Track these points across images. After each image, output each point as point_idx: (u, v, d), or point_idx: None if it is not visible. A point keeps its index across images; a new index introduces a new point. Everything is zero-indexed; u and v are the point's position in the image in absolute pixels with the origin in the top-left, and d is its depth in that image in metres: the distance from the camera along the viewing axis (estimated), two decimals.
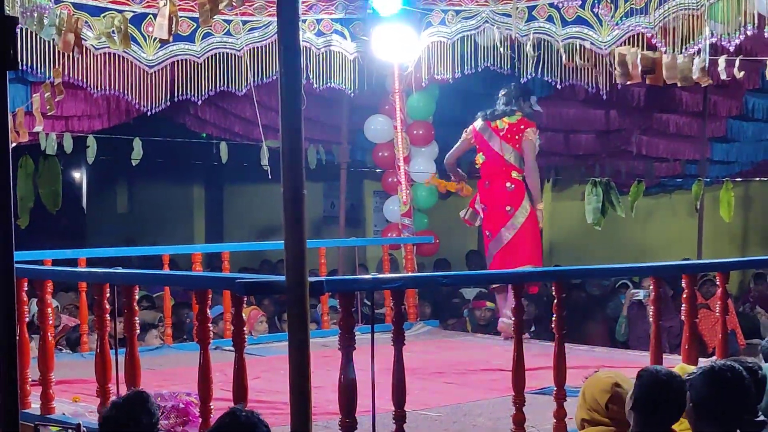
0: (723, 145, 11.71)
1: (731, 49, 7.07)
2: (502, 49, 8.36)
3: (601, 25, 7.93)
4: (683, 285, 5.71)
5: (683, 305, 5.70)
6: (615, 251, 12.67)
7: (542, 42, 8.26)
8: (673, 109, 10.85)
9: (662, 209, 13.51)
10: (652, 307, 5.62)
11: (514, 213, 8.16)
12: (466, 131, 8.56)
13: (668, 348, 7.67)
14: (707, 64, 6.90)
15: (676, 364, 5.33)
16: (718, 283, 6.03)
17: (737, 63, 7.15)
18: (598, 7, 7.91)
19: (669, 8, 7.38)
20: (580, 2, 8.06)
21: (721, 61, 6.93)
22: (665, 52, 7.28)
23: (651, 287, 5.68)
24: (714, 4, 7.03)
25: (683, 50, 7.25)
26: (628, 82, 7.40)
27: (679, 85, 7.21)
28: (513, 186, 8.16)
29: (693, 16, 7.22)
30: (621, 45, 7.74)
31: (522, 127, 8.21)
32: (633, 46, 7.64)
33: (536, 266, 8.06)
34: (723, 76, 7.00)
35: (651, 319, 5.66)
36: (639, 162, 11.58)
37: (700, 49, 7.14)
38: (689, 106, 10.72)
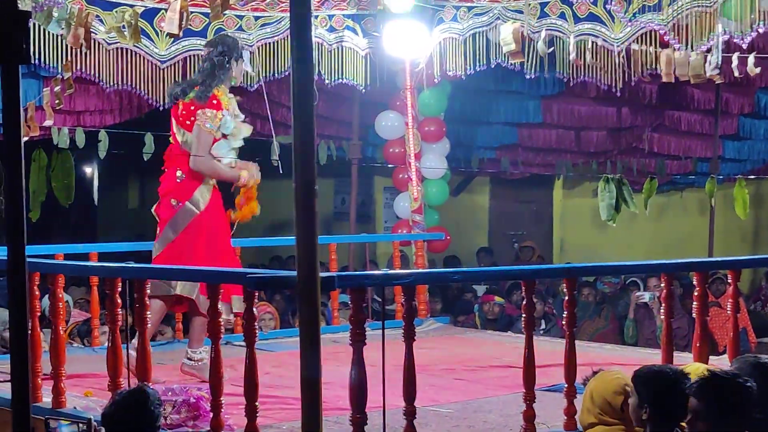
0: (735, 143, 11.69)
1: (744, 46, 7.05)
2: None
3: (614, 22, 7.91)
4: (694, 283, 5.70)
5: (694, 303, 5.68)
6: (626, 249, 12.65)
7: (554, 38, 8.24)
8: (684, 106, 10.85)
9: (673, 207, 13.49)
10: (663, 305, 5.61)
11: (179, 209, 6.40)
12: None
13: (674, 348, 7.65)
14: (720, 62, 6.87)
15: (685, 362, 5.32)
16: (729, 281, 6.01)
17: (750, 60, 7.14)
18: (611, 4, 7.89)
19: (682, 5, 7.36)
20: None
21: (734, 58, 6.91)
22: (678, 49, 7.26)
23: (658, 287, 5.66)
24: (727, 2, 7.01)
25: (696, 47, 7.23)
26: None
27: (691, 82, 7.19)
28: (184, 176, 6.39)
29: (706, 13, 7.19)
30: (633, 42, 7.72)
31: (192, 108, 6.34)
32: (645, 43, 7.62)
33: None
34: (735, 74, 6.98)
35: (662, 317, 5.64)
36: (651, 159, 11.56)
37: (713, 46, 7.12)
38: (701, 104, 10.71)
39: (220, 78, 6.35)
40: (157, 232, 6.59)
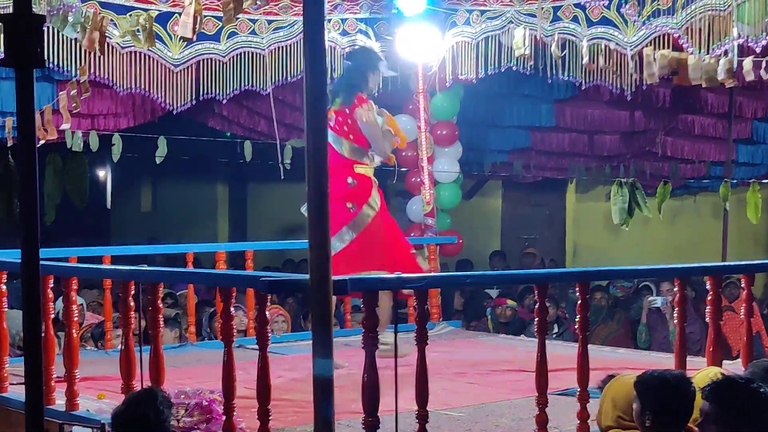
0: (748, 147, 11.66)
1: (758, 50, 7.03)
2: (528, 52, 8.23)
3: (627, 26, 7.90)
4: (708, 287, 5.68)
5: (708, 307, 5.67)
6: (639, 253, 12.62)
7: (567, 42, 8.23)
8: (698, 110, 10.82)
9: (687, 211, 13.45)
10: (676, 309, 5.59)
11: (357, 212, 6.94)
12: None
13: (687, 353, 7.63)
14: (735, 66, 6.86)
15: (697, 366, 5.31)
16: (743, 285, 6.00)
17: (764, 64, 7.11)
18: (624, 7, 7.88)
19: (696, 9, 7.35)
20: (606, 2, 8.04)
21: (748, 62, 6.89)
22: (691, 53, 7.25)
23: (671, 292, 5.64)
24: (741, 5, 6.99)
25: (710, 51, 7.21)
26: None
27: (704, 86, 7.18)
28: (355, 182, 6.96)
29: (720, 17, 7.18)
30: (647, 46, 7.70)
31: (346, 112, 6.90)
32: (659, 46, 7.61)
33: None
34: (749, 77, 6.96)
35: (675, 321, 5.63)
36: (664, 163, 11.54)
37: (727, 50, 7.10)
38: (714, 108, 10.67)
39: (360, 88, 6.89)
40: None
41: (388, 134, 7.02)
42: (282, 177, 8.59)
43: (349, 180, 6.89)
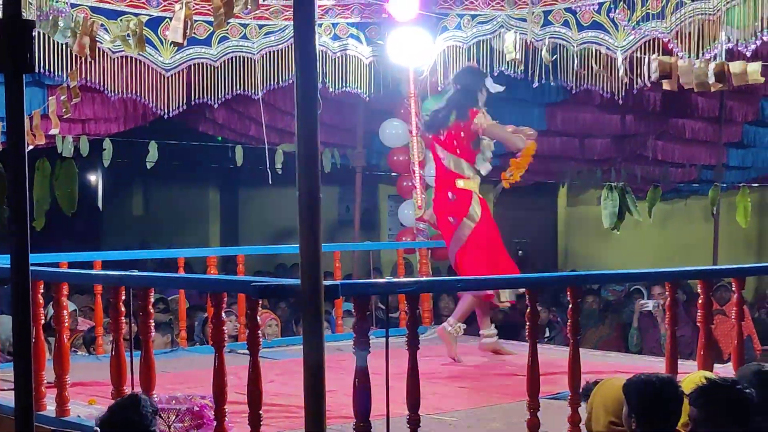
0: (739, 151, 11.69)
1: (748, 54, 7.05)
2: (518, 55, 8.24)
3: (617, 30, 7.92)
4: (699, 291, 5.69)
5: (699, 311, 5.67)
6: (630, 256, 12.65)
7: (558, 46, 8.25)
8: (689, 114, 10.84)
9: (678, 215, 13.48)
10: (667, 313, 5.60)
11: (458, 225, 7.36)
12: None
13: (679, 356, 7.65)
14: (725, 70, 6.87)
15: (689, 370, 5.32)
16: (733, 288, 6.01)
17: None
18: (614, 12, 7.90)
19: (685, 13, 7.37)
20: (597, 7, 8.05)
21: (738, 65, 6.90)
22: (681, 57, 7.26)
23: (662, 295, 5.66)
24: (731, 10, 7.01)
25: (699, 55, 7.23)
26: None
27: (695, 90, 7.19)
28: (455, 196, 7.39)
29: (709, 21, 7.20)
30: (637, 50, 7.72)
31: (461, 126, 7.35)
32: (649, 51, 7.62)
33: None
34: (739, 82, 6.97)
35: (666, 325, 5.64)
36: (655, 167, 11.56)
37: (716, 54, 7.12)
38: (705, 112, 10.70)
39: (473, 105, 7.33)
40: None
41: (516, 133, 7.49)
42: (270, 182, 8.60)
43: (450, 195, 7.34)
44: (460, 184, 7.33)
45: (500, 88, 7.73)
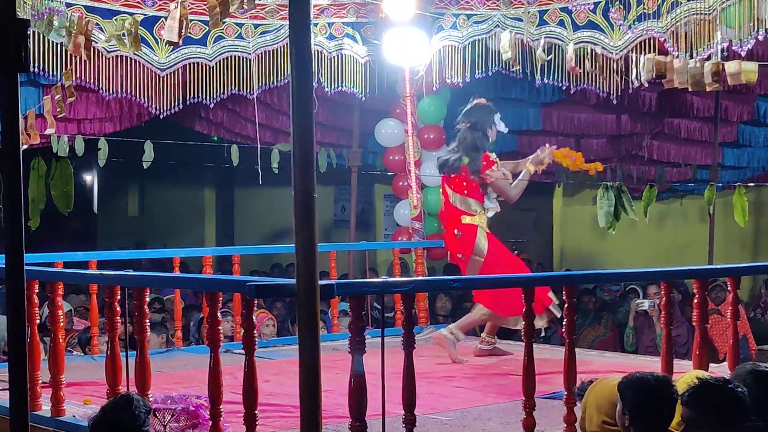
0: (734, 150, 11.69)
1: (743, 54, 7.06)
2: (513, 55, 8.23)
3: (613, 30, 7.92)
4: (694, 290, 5.70)
5: (694, 311, 5.68)
6: (626, 256, 12.65)
7: (553, 46, 8.25)
8: (684, 113, 10.84)
9: (673, 214, 13.49)
10: (662, 313, 5.60)
11: (467, 260, 7.53)
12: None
13: (674, 356, 7.66)
14: (720, 69, 6.88)
15: (684, 370, 5.32)
16: (729, 288, 6.01)
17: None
18: (610, 12, 7.90)
19: (681, 13, 7.37)
20: (592, 6, 8.06)
21: (733, 65, 6.90)
22: (677, 57, 7.27)
23: (658, 295, 5.65)
24: (726, 9, 7.01)
25: (695, 55, 7.23)
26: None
27: (690, 90, 7.19)
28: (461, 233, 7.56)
29: (705, 20, 7.20)
30: (632, 49, 7.73)
31: (470, 177, 7.53)
32: (644, 50, 7.63)
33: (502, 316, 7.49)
34: (734, 81, 6.97)
35: (662, 325, 5.64)
36: (650, 167, 11.56)
37: (712, 53, 7.12)
38: (700, 111, 10.70)
39: (483, 147, 7.49)
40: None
41: (521, 184, 7.66)
42: (261, 182, 8.59)
43: (456, 231, 7.51)
44: (466, 220, 7.48)
45: (505, 129, 7.91)
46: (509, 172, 7.68)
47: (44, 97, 7.90)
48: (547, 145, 7.85)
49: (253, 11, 8.47)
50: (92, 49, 7.24)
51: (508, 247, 8.18)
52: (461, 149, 7.53)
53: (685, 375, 4.63)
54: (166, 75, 8.46)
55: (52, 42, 7.47)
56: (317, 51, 8.91)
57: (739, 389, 3.86)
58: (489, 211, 7.64)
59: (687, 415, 3.88)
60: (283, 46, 8.75)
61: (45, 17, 6.87)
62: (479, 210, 7.53)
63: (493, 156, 7.56)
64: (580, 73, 8.08)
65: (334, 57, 9.13)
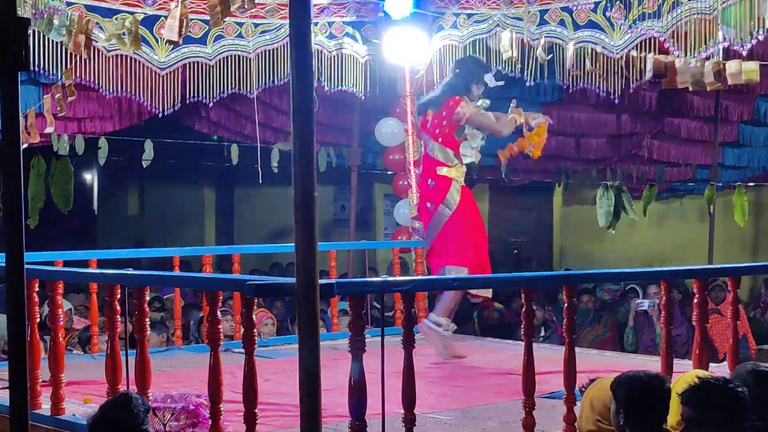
0: (734, 150, 11.70)
1: (744, 53, 7.06)
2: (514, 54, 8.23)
3: (613, 29, 7.92)
4: (694, 290, 5.70)
5: (694, 310, 5.68)
6: (626, 256, 12.66)
7: (554, 46, 8.25)
8: (684, 113, 10.85)
9: (673, 214, 13.50)
10: (662, 312, 5.60)
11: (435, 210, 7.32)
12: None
13: (674, 356, 7.66)
14: (721, 69, 6.88)
15: (684, 369, 5.32)
16: (729, 288, 6.01)
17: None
18: (611, 11, 7.90)
19: (681, 12, 7.37)
20: (593, 6, 8.05)
21: (734, 65, 6.91)
22: (677, 56, 7.27)
23: (658, 295, 5.65)
24: (726, 9, 7.01)
25: (695, 54, 7.23)
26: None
27: (690, 89, 7.19)
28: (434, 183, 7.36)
29: (705, 20, 7.20)
30: (633, 49, 7.73)
31: (443, 114, 7.30)
32: (645, 50, 7.63)
33: (460, 267, 7.17)
34: (734, 81, 6.98)
35: (662, 324, 5.64)
36: (650, 166, 11.57)
37: (713, 53, 7.12)
38: (701, 111, 10.71)
39: (457, 93, 7.27)
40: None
41: (509, 123, 7.43)
42: (260, 181, 8.59)
43: (429, 181, 7.32)
44: (441, 171, 7.29)
45: (500, 83, 7.73)
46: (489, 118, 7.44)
47: (44, 96, 7.90)
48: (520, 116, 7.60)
49: (253, 10, 8.46)
50: (92, 47, 7.24)
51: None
52: (444, 92, 7.39)
53: (686, 374, 4.62)
54: (166, 74, 8.45)
55: (53, 41, 7.46)
56: (317, 50, 8.90)
57: (740, 389, 3.87)
58: (466, 158, 7.44)
59: (687, 414, 3.88)
60: (284, 46, 8.75)
61: (45, 16, 6.87)
62: (456, 162, 7.33)
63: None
64: (580, 72, 8.07)
65: (334, 56, 9.12)
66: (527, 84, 8.50)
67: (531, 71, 8.38)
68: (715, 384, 3.92)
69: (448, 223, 7.22)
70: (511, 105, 7.57)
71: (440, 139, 7.29)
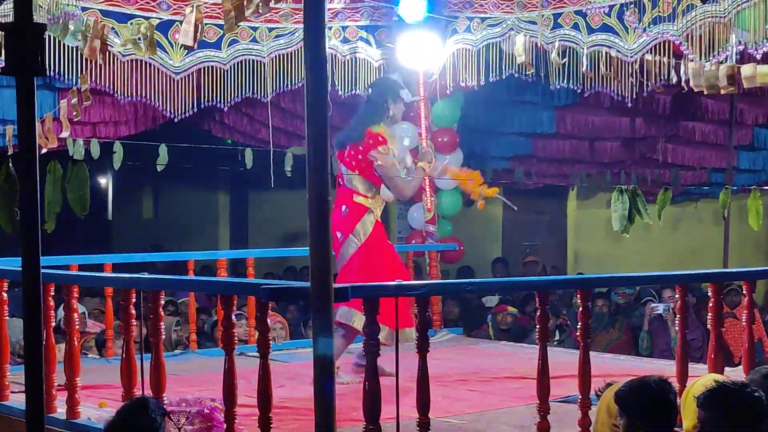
0: (749, 154, 11.66)
1: (758, 56, 7.04)
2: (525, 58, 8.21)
3: (627, 33, 7.91)
4: (709, 294, 5.68)
5: (709, 314, 5.66)
6: (640, 260, 12.61)
7: (568, 49, 8.24)
8: (699, 116, 10.82)
9: (688, 218, 13.45)
10: (677, 316, 5.59)
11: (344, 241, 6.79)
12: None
13: (689, 360, 7.63)
14: (735, 72, 6.86)
15: (699, 373, 5.31)
16: (744, 292, 5.99)
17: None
18: (625, 15, 7.89)
19: (696, 16, 7.35)
20: (607, 9, 8.05)
21: (748, 68, 6.88)
22: (692, 60, 7.25)
23: (673, 299, 5.64)
24: (741, 12, 7.00)
25: (710, 58, 7.22)
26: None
27: (705, 93, 7.18)
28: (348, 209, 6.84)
29: (720, 23, 7.18)
30: (647, 52, 7.71)
31: (359, 148, 6.81)
32: (659, 53, 7.61)
33: (353, 310, 6.35)
34: (749, 84, 6.95)
35: (677, 328, 5.63)
36: (665, 170, 11.54)
37: (727, 56, 7.10)
38: (715, 114, 10.67)
39: (378, 118, 6.80)
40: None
41: (413, 187, 7.07)
42: (272, 185, 8.61)
43: (343, 208, 6.78)
44: (358, 199, 6.79)
45: (416, 99, 7.43)
46: (423, 165, 7.06)
47: (60, 101, 7.93)
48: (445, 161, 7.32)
49: (267, 15, 8.47)
50: (107, 53, 7.26)
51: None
52: (358, 124, 6.89)
53: (703, 378, 4.61)
54: (181, 78, 8.49)
55: (68, 46, 7.50)
56: (331, 54, 8.92)
57: (757, 393, 3.85)
58: (384, 199, 7.00)
59: (703, 417, 3.86)
60: (298, 50, 8.77)
61: (61, 21, 6.89)
62: (373, 193, 6.83)
63: (389, 134, 6.87)
64: (594, 76, 8.07)
65: (348, 60, 9.14)
66: (550, 87, 8.50)
67: (545, 75, 8.38)
68: (732, 388, 3.91)
69: (356, 256, 6.69)
70: (423, 148, 7.22)
71: (357, 171, 6.79)
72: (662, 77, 7.75)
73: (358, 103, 7.22)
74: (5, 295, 5.91)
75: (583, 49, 8.10)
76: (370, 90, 7.18)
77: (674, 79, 7.39)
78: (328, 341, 2.93)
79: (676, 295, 5.69)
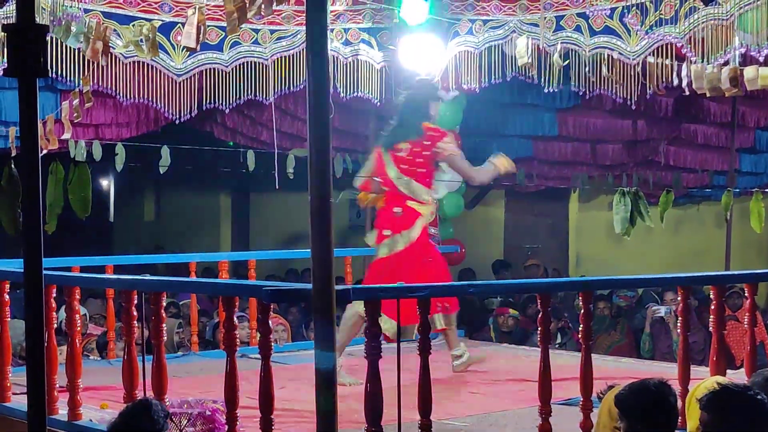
0: (751, 156, 11.66)
1: (761, 59, 7.03)
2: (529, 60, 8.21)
3: (630, 35, 7.90)
4: (711, 296, 5.67)
5: (711, 317, 5.65)
6: (642, 262, 12.61)
7: (570, 52, 8.24)
8: (701, 119, 10.82)
9: (690, 220, 13.44)
10: (679, 319, 5.58)
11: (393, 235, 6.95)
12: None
13: (691, 363, 7.62)
14: (738, 75, 6.86)
15: (701, 376, 5.30)
16: (746, 294, 5.98)
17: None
18: (627, 17, 7.89)
19: (698, 18, 7.35)
20: (609, 12, 8.04)
21: (751, 70, 6.88)
22: (694, 62, 7.25)
23: (675, 301, 5.63)
24: (744, 15, 6.99)
25: (712, 60, 7.21)
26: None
27: (707, 95, 7.18)
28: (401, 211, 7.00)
29: (722, 26, 7.18)
30: (649, 55, 7.71)
31: (426, 143, 6.99)
32: (662, 56, 7.61)
33: None
34: (752, 87, 6.95)
35: (679, 331, 5.62)
36: (667, 172, 11.53)
37: (729, 59, 7.10)
38: (717, 117, 10.67)
39: (423, 117, 7.03)
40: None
41: (488, 171, 7.28)
42: (277, 187, 8.61)
43: (397, 209, 6.99)
44: (411, 204, 6.97)
45: (455, 93, 7.53)
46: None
47: (62, 103, 7.94)
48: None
49: (269, 17, 8.48)
50: (110, 54, 7.27)
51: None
52: (398, 122, 7.09)
53: (706, 380, 4.60)
54: (183, 80, 8.48)
55: (70, 48, 7.50)
56: (333, 57, 8.91)
57: (759, 396, 3.85)
58: (435, 195, 7.34)
59: (706, 419, 3.86)
60: (300, 52, 8.77)
61: (63, 23, 6.90)
62: (428, 199, 7.06)
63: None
64: (597, 79, 8.07)
65: (350, 62, 9.13)
66: (544, 90, 8.49)
67: (547, 77, 8.37)
68: (735, 390, 3.90)
69: (401, 253, 6.89)
70: (494, 154, 7.36)
71: (417, 169, 6.96)
72: (664, 80, 7.75)
73: (396, 105, 7.46)
74: (7, 296, 5.91)
75: (585, 51, 8.10)
76: (407, 91, 7.36)
77: (676, 82, 7.39)
78: (330, 343, 2.93)
79: (678, 298, 5.68)
